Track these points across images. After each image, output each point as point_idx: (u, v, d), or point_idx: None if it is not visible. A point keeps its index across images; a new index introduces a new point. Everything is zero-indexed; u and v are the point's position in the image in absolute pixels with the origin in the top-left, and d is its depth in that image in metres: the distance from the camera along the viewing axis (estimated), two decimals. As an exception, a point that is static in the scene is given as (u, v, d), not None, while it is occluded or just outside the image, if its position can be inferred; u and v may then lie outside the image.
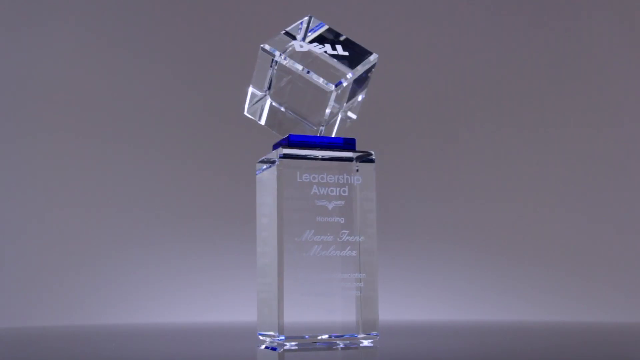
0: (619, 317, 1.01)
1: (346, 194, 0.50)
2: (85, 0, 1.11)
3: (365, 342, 0.49)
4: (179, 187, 1.11)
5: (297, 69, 0.51)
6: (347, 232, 0.50)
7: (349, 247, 0.50)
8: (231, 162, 1.10)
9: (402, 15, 1.17)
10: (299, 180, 0.50)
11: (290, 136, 0.51)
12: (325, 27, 0.55)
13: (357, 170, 0.52)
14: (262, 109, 0.54)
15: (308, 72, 0.51)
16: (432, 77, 1.16)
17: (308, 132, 0.53)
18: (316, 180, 0.50)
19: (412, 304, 1.07)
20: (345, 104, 0.55)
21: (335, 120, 0.55)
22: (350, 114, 0.56)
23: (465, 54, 1.17)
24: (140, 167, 1.09)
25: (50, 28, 1.08)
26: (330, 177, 0.50)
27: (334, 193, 0.50)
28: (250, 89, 0.54)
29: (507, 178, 1.13)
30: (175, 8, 1.13)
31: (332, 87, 0.50)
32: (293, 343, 0.48)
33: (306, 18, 0.55)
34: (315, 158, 0.50)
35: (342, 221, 0.50)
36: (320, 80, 0.51)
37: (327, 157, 0.51)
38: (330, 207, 0.50)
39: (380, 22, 1.18)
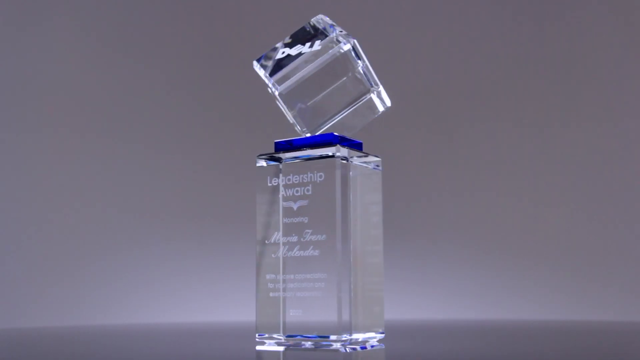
0: (619, 316, 1.01)
1: (310, 192, 0.50)
2: (87, 3, 1.12)
3: (336, 345, 0.48)
4: (179, 187, 1.10)
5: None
6: (311, 231, 0.49)
7: (311, 247, 0.49)
8: (232, 163, 1.09)
9: (401, 15, 1.16)
10: (269, 184, 0.51)
11: (275, 142, 0.52)
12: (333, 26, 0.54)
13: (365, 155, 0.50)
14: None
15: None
16: (431, 76, 1.14)
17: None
18: (283, 182, 0.51)
19: (412, 303, 1.07)
20: (364, 82, 0.52)
21: (368, 102, 0.53)
22: (377, 100, 0.54)
23: (464, 53, 1.15)
24: (141, 168, 1.10)
25: (51, 28, 1.09)
26: (295, 177, 0.50)
27: (299, 193, 0.50)
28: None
29: (507, 178, 1.13)
30: (177, 7, 1.13)
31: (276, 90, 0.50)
32: (271, 342, 0.50)
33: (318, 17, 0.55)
34: (284, 160, 0.51)
35: (306, 220, 0.49)
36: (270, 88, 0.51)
37: (299, 157, 0.51)
38: (295, 207, 0.50)
39: (380, 22, 1.16)
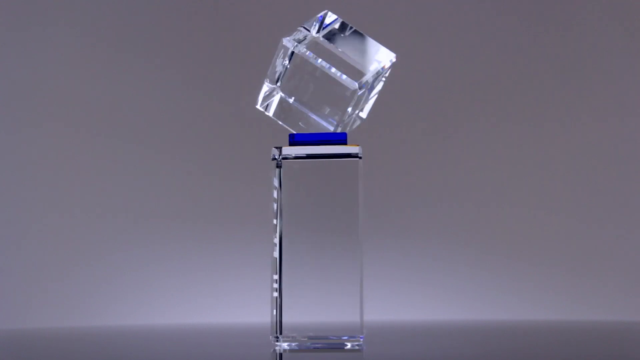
0: (619, 316, 1.02)
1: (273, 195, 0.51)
2: (88, 0, 1.08)
3: (284, 345, 0.49)
4: (180, 187, 1.07)
5: (322, 65, 0.53)
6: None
7: (272, 249, 0.51)
8: (234, 162, 1.07)
9: (401, 13, 1.15)
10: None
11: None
12: (346, 24, 0.55)
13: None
14: (272, 102, 0.56)
15: (331, 69, 0.53)
16: (429, 74, 1.14)
17: (322, 128, 0.54)
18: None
19: (410, 303, 1.05)
20: (360, 103, 0.53)
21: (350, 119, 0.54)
22: (360, 113, 0.54)
23: (463, 50, 1.14)
24: (142, 168, 1.06)
25: (53, 29, 1.06)
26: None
27: (275, 196, 0.52)
28: (266, 84, 0.55)
29: (506, 176, 1.12)
30: (179, 7, 1.10)
31: (356, 85, 0.52)
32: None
33: (323, 13, 0.56)
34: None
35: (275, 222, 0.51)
36: (344, 78, 0.53)
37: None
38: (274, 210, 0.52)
39: (380, 20, 1.13)
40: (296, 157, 0.51)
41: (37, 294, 1.02)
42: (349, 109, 0.52)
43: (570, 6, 1.18)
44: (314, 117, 0.53)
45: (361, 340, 0.49)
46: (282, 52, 0.53)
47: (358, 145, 0.52)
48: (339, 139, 0.52)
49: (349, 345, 0.49)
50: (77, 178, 1.07)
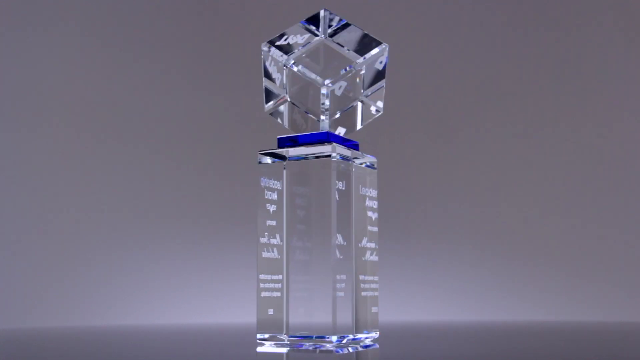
0: (619, 316, 1.03)
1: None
2: (87, 1, 1.10)
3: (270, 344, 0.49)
4: (179, 187, 1.08)
5: (289, 63, 0.53)
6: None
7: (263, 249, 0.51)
8: (231, 162, 1.08)
9: (402, 14, 1.17)
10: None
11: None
12: (340, 19, 0.55)
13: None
14: (283, 111, 0.56)
15: (299, 67, 0.53)
16: (431, 77, 1.16)
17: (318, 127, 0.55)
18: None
19: (411, 304, 1.07)
20: (362, 92, 0.53)
21: (354, 108, 0.54)
22: (373, 102, 0.54)
23: (465, 54, 1.16)
24: (141, 168, 1.07)
25: (53, 29, 1.07)
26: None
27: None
28: (265, 84, 0.55)
29: (507, 178, 1.14)
30: (176, 8, 1.12)
31: (320, 80, 0.52)
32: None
33: (322, 11, 0.56)
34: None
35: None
36: (313, 76, 0.52)
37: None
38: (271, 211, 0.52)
39: (380, 20, 1.16)
40: (298, 158, 0.51)
41: (37, 294, 1.03)
42: (326, 104, 0.52)
43: (570, 11, 1.18)
44: (314, 117, 0.53)
45: (334, 341, 0.48)
46: (271, 59, 0.53)
47: (332, 143, 0.51)
48: (320, 139, 0.52)
49: (329, 346, 0.48)
50: (76, 179, 1.08)
